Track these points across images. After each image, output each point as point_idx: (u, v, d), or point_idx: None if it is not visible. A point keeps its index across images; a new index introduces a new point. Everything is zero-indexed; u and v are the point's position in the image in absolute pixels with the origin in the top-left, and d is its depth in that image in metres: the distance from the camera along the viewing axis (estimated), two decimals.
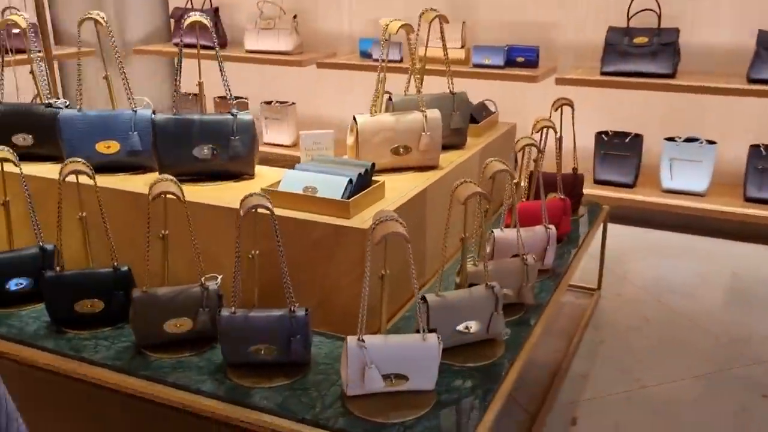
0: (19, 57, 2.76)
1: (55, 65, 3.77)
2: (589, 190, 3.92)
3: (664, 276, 3.40)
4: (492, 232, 2.23)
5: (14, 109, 2.47)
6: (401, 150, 2.31)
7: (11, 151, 2.12)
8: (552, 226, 2.31)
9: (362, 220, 1.93)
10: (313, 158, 2.18)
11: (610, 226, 3.06)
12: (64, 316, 2.01)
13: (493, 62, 4.12)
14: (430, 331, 1.74)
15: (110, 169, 2.34)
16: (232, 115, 2.24)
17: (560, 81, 3.90)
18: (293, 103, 4.86)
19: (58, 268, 2.01)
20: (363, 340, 1.62)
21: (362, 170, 2.05)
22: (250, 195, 1.72)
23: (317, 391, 1.72)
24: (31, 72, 2.53)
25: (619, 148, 3.98)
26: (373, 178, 2.16)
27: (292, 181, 2.04)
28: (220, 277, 1.92)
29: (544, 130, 2.48)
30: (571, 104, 2.76)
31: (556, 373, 2.52)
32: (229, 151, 2.22)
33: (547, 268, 2.34)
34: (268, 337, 1.76)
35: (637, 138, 3.96)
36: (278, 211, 1.99)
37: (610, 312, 3.03)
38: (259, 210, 1.72)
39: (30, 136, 2.45)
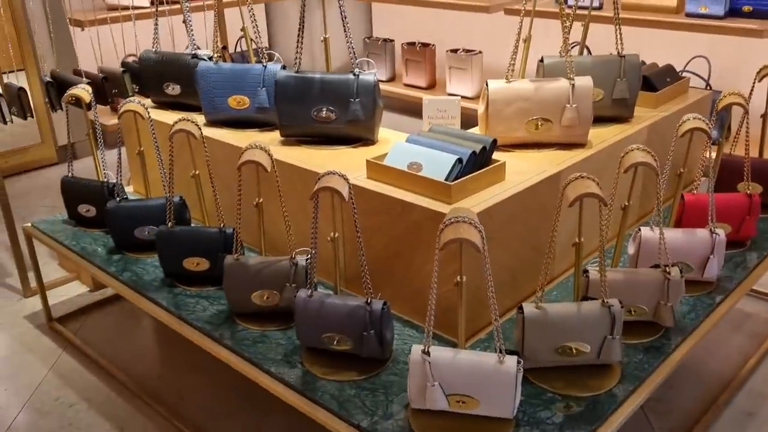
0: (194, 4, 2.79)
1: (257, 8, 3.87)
2: None
3: None
4: (639, 230, 1.85)
5: (166, 58, 2.53)
6: (539, 123, 1.98)
7: (141, 103, 2.17)
8: (720, 230, 1.85)
9: (468, 206, 1.67)
10: (432, 128, 1.94)
11: None
12: (174, 271, 2.05)
13: (712, 11, 3.44)
14: (513, 351, 1.47)
15: (242, 125, 2.32)
16: (354, 75, 2.06)
17: None
18: (480, 52, 4.55)
19: (169, 224, 2.03)
20: (428, 353, 1.40)
21: (479, 148, 1.78)
22: (327, 173, 1.56)
23: (385, 395, 1.56)
24: (184, 21, 2.56)
25: None
26: (500, 155, 1.88)
27: (399, 154, 1.83)
28: (313, 252, 1.80)
29: (731, 107, 1.98)
30: None
31: (713, 404, 2.08)
32: (348, 114, 2.06)
33: (710, 280, 1.90)
34: (341, 327, 1.61)
35: None
36: (379, 187, 1.81)
37: None
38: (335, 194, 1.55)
39: (178, 85, 2.50)
